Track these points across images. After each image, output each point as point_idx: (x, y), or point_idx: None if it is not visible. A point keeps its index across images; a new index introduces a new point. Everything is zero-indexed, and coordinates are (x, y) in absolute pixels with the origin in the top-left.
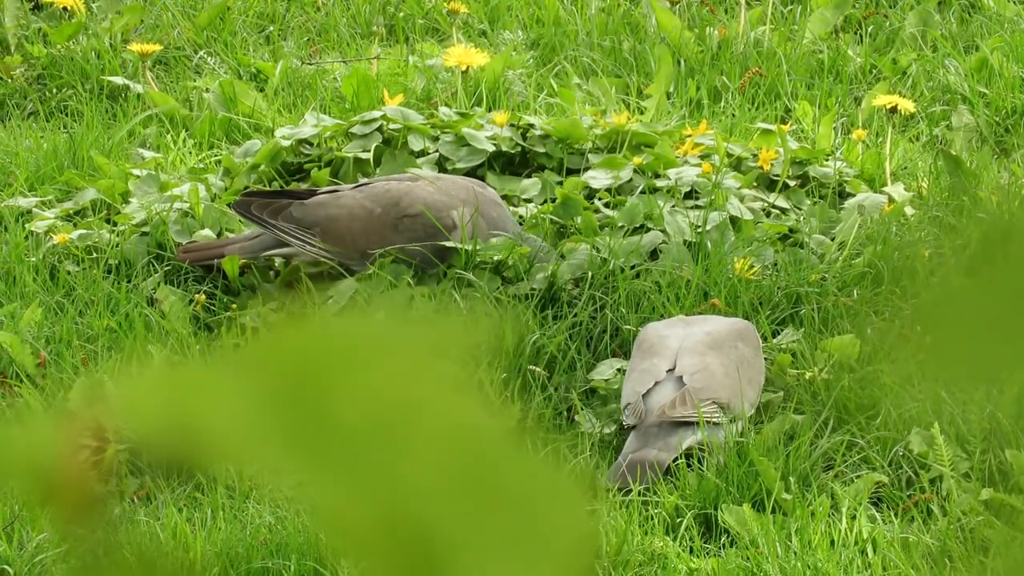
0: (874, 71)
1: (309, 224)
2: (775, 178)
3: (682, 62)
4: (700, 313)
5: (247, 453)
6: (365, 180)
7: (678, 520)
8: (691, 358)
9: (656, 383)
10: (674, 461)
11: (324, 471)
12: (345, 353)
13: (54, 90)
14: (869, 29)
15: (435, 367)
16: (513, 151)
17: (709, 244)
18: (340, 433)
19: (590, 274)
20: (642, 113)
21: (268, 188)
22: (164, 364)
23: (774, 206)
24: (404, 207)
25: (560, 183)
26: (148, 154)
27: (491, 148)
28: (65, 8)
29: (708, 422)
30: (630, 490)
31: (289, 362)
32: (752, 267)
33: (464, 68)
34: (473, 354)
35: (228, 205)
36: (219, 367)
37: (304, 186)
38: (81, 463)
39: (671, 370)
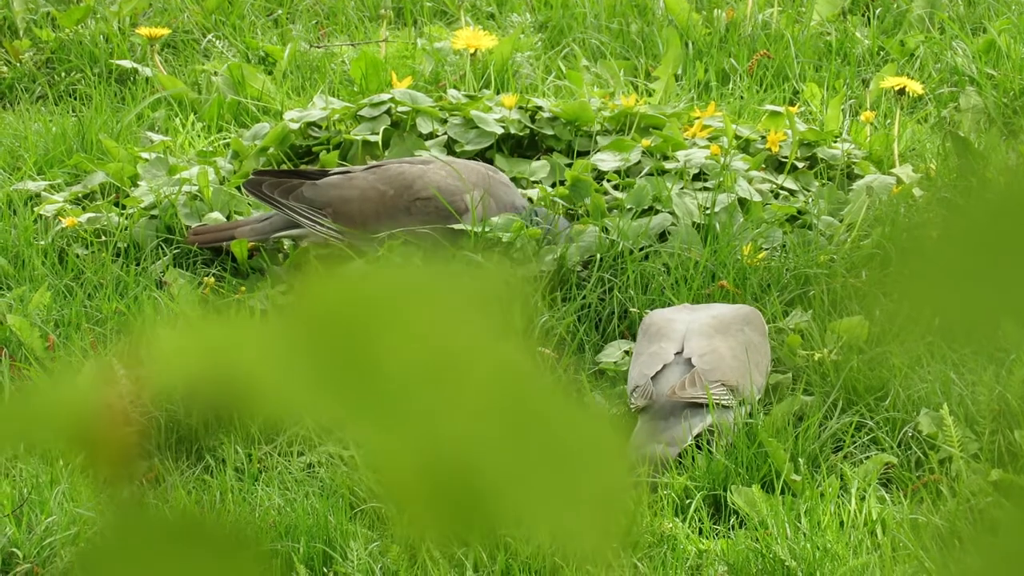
0: (882, 53)
1: (321, 204)
2: (783, 160)
3: (690, 44)
4: (708, 296)
5: (291, 401)
6: (377, 162)
7: (687, 501)
8: (699, 340)
9: (664, 366)
10: (683, 452)
11: (367, 418)
12: (386, 301)
13: (63, 74)
14: (877, 11)
15: (476, 314)
16: (522, 133)
17: (718, 226)
18: (383, 380)
19: (598, 256)
20: (650, 95)
21: (278, 168)
22: (204, 317)
23: (782, 188)
24: (417, 190)
25: (569, 165)
26: (157, 137)
27: (500, 131)
28: None
29: (718, 404)
30: (668, 468)
31: (331, 310)
32: (759, 252)
33: (472, 51)
34: (510, 304)
35: (239, 186)
36: (261, 317)
37: (315, 167)
38: (119, 418)
39: (679, 352)
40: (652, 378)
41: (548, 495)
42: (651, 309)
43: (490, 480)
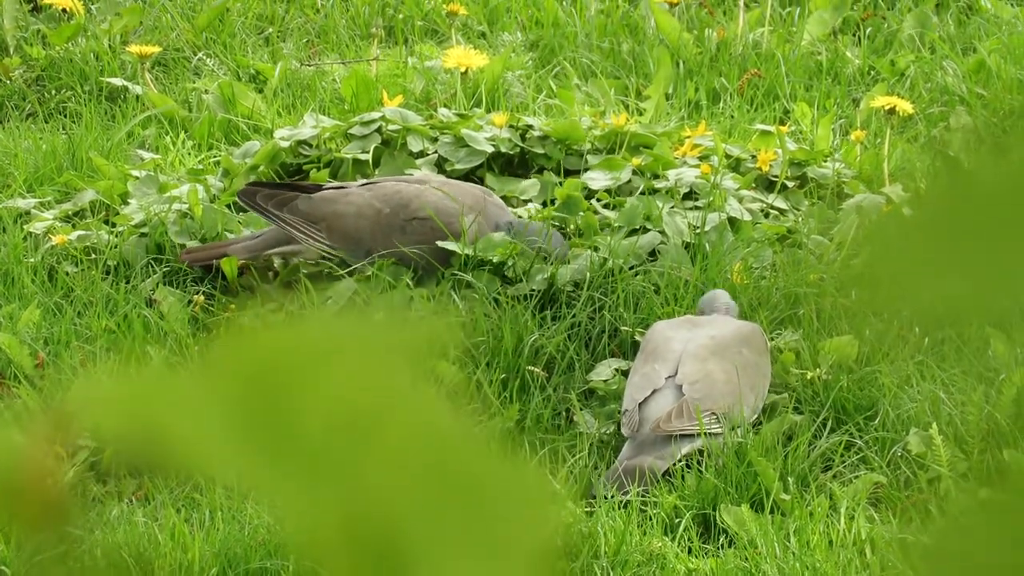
0: (872, 72)
1: (316, 219)
2: (774, 179)
3: (681, 63)
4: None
5: (211, 458)
6: (372, 179)
7: (676, 520)
8: (692, 365)
9: (655, 391)
10: (671, 467)
11: (288, 474)
12: (309, 355)
13: (53, 91)
14: (867, 31)
15: (398, 368)
16: (512, 152)
17: (708, 245)
18: (303, 436)
19: (588, 275)
20: (641, 114)
21: (274, 180)
22: (127, 369)
23: (773, 207)
24: (414, 210)
25: (559, 184)
26: (147, 155)
27: (490, 149)
28: (64, 9)
29: (706, 434)
30: (628, 491)
31: (252, 365)
32: (749, 271)
33: (463, 69)
34: (442, 353)
35: (230, 204)
36: (183, 371)
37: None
38: (45, 469)
39: (672, 376)
40: (641, 403)
41: (472, 552)
42: (644, 327)
43: (412, 537)
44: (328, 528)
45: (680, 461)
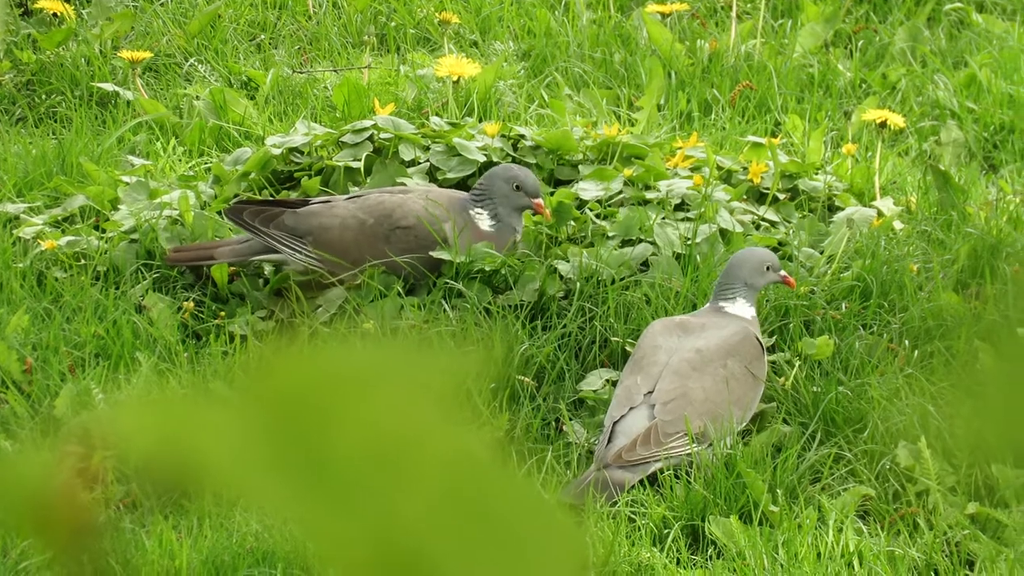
0: (864, 86)
1: (302, 233)
2: (765, 191)
3: (673, 74)
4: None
5: (243, 484)
6: (358, 191)
7: (665, 531)
8: (671, 381)
9: (631, 408)
10: (639, 482)
11: (321, 501)
12: (343, 385)
13: (43, 96)
14: (859, 44)
15: (427, 399)
16: (504, 161)
17: (699, 257)
18: (337, 464)
19: (578, 285)
20: (633, 125)
21: (260, 197)
22: (162, 394)
23: (764, 219)
24: (396, 219)
25: (551, 194)
26: (138, 161)
27: (482, 158)
28: (55, 14)
29: (674, 456)
30: (616, 501)
31: (285, 394)
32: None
33: (455, 78)
34: (464, 386)
35: (219, 212)
36: (216, 398)
37: (295, 195)
38: (78, 494)
39: (651, 392)
40: (616, 422)
41: None
42: (634, 338)
43: (442, 567)
44: (360, 555)
45: (666, 471)
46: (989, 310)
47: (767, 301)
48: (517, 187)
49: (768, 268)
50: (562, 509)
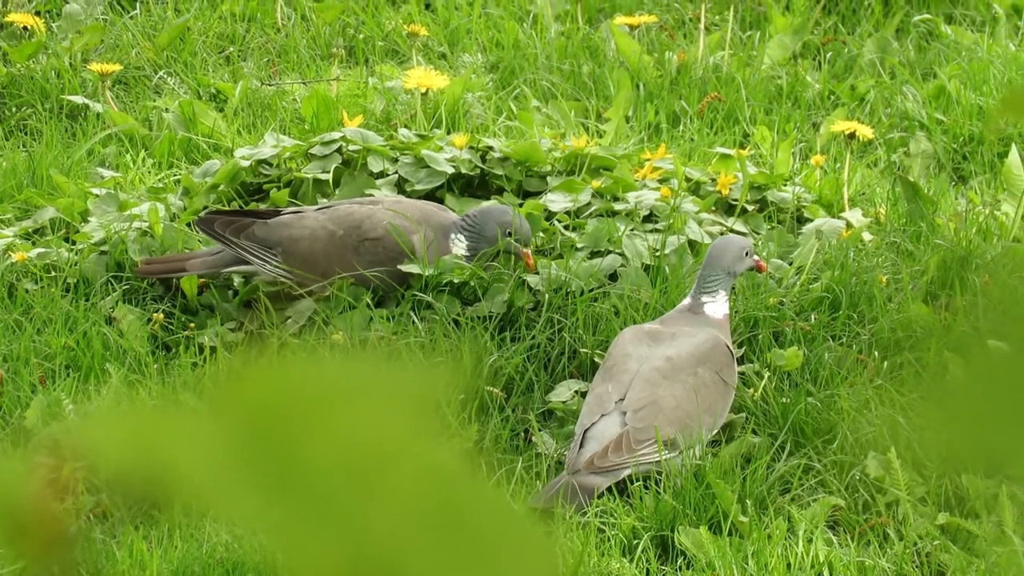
0: (832, 97)
1: (272, 244)
2: (733, 202)
3: (641, 86)
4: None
5: (213, 496)
6: (329, 202)
7: (635, 542)
8: (641, 390)
9: (602, 415)
10: (608, 490)
11: (294, 514)
12: (315, 398)
13: (13, 109)
14: (828, 55)
15: (397, 410)
16: (472, 173)
17: (667, 268)
18: (310, 477)
19: (547, 296)
20: (601, 137)
21: (231, 208)
22: (135, 405)
23: (732, 230)
24: (365, 230)
25: (520, 205)
26: (107, 173)
27: (450, 170)
28: (25, 27)
29: (645, 462)
30: (586, 511)
31: (254, 405)
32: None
33: (424, 90)
34: (438, 399)
35: (190, 223)
36: (185, 409)
37: (264, 207)
38: (50, 504)
39: (622, 399)
40: (587, 430)
41: None
42: (603, 349)
43: None
44: (330, 566)
45: (637, 479)
46: (959, 321)
47: (736, 312)
48: (509, 233)
49: (747, 253)
50: (532, 518)
